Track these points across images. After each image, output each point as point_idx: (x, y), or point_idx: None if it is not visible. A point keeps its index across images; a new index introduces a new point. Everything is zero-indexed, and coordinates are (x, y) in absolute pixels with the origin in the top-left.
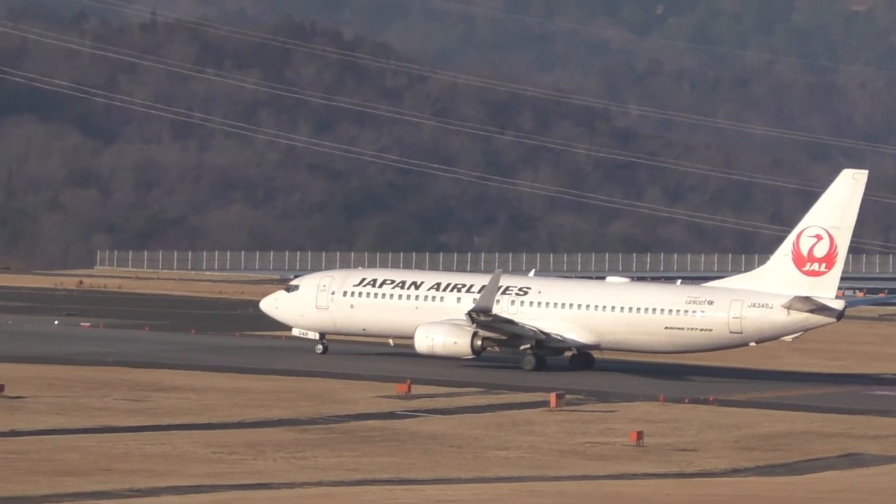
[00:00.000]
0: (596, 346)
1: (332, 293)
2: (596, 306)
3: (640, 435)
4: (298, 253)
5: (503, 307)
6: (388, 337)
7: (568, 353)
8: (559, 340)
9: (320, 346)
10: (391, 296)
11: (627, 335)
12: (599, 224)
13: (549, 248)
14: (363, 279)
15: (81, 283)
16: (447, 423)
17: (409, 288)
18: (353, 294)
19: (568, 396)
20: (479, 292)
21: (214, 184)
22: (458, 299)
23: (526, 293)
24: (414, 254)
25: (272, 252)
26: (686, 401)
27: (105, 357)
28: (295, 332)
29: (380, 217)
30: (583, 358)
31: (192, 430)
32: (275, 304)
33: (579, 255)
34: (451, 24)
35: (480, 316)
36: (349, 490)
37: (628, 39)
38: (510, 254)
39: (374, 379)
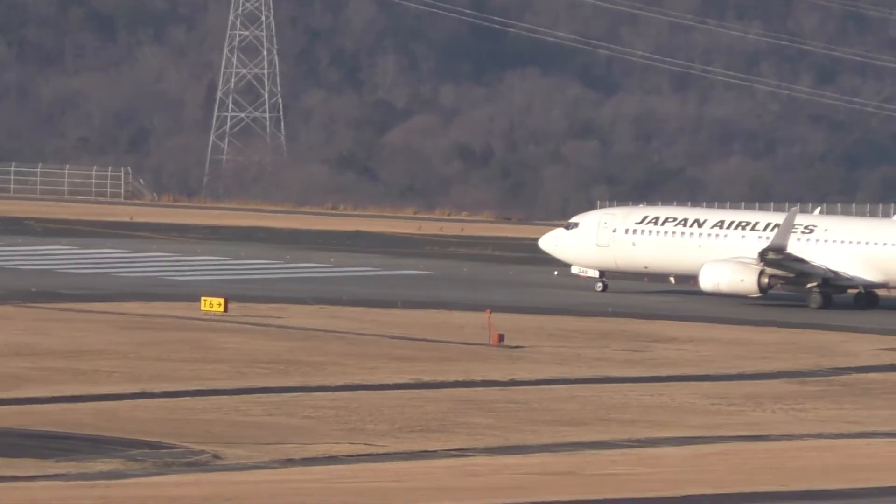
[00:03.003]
0: (883, 285)
1: (614, 230)
2: (884, 244)
3: None
4: (798, 204)
5: (790, 245)
6: (669, 275)
7: (852, 292)
8: (847, 279)
9: (600, 285)
10: (674, 233)
11: None
12: None
13: None
14: (645, 217)
15: None
16: None
17: (692, 226)
18: (634, 232)
19: None
20: (763, 230)
21: (714, 135)
22: (743, 237)
23: (812, 231)
24: None
25: (772, 203)
26: None
27: (604, 308)
28: (574, 269)
29: (883, 169)
30: (868, 297)
31: (690, 381)
32: (554, 243)
33: None
34: None
35: (770, 254)
36: (849, 443)
37: None
38: None
39: (876, 332)
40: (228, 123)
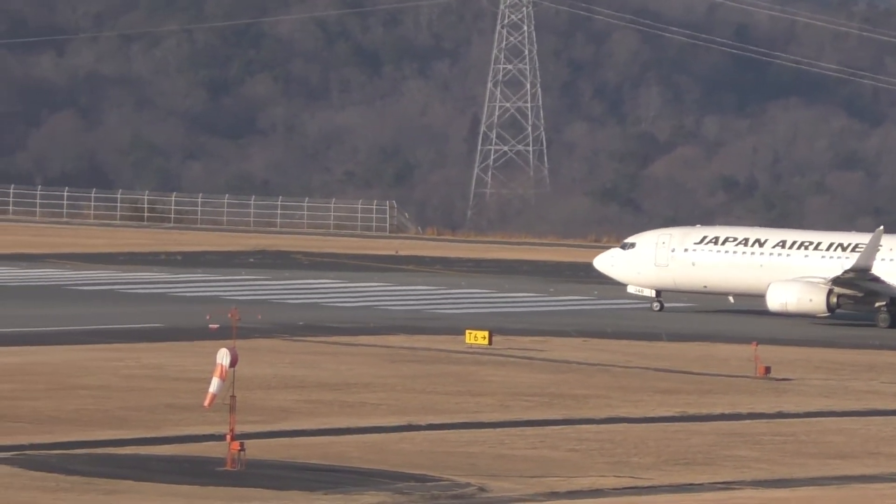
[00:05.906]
0: None
1: (673, 250)
2: None
3: None
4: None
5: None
6: (729, 294)
7: None
8: None
9: (657, 304)
10: (734, 253)
11: None
12: None
13: None
14: (704, 237)
15: None
16: None
17: (752, 245)
18: (694, 251)
19: None
20: (826, 250)
21: None
22: (806, 256)
23: (878, 250)
24: None
25: None
26: None
27: (871, 340)
28: (630, 289)
29: None
30: None
31: None
32: (610, 262)
33: None
34: None
35: (849, 274)
36: None
37: None
38: None
39: None
40: (492, 157)
